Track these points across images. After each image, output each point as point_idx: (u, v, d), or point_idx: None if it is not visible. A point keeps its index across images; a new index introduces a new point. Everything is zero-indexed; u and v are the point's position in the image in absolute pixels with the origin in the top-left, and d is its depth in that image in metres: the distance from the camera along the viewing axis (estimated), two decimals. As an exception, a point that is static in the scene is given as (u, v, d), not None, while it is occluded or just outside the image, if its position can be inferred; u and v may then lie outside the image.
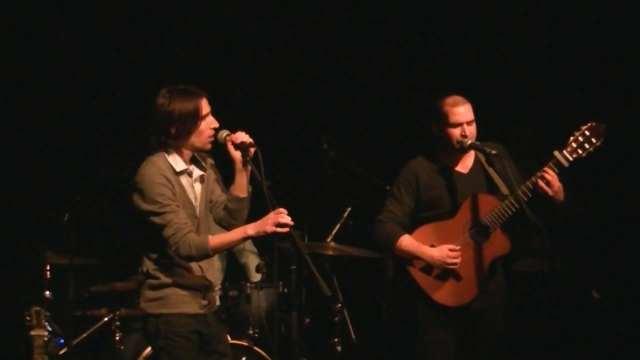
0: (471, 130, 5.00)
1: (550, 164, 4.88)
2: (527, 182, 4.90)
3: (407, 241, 5.02)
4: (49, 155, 6.88)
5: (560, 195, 4.90)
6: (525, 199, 4.86)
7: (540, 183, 4.86)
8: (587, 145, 4.87)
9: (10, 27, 6.77)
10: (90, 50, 6.92)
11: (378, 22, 7.20)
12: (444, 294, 4.99)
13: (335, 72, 7.23)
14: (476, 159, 5.11)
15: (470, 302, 4.98)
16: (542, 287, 6.30)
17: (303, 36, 7.22)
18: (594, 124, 4.90)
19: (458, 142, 4.99)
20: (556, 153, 4.89)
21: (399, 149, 6.91)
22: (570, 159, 4.88)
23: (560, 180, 4.89)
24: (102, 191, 6.69)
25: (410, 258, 5.02)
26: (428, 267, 5.01)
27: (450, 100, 5.03)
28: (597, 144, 4.88)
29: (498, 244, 4.98)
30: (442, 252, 4.97)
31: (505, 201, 4.92)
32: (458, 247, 4.98)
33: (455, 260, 4.95)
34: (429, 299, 5.00)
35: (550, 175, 4.86)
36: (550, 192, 4.86)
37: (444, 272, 5.00)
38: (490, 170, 4.99)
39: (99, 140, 6.95)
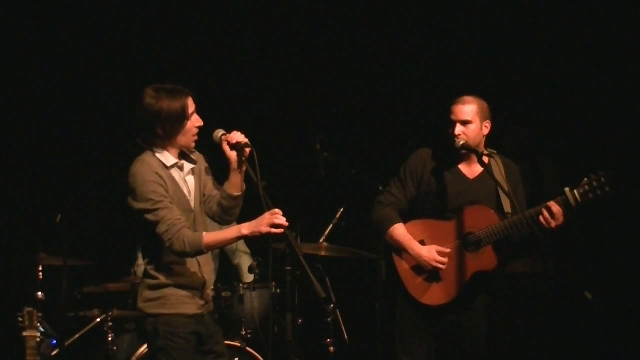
0: (464, 130, 4.99)
1: (559, 199, 4.83)
2: (531, 211, 4.85)
3: (399, 231, 5.07)
4: (42, 157, 6.87)
5: (560, 223, 4.85)
6: (526, 227, 4.82)
7: (545, 215, 4.80)
8: (599, 192, 4.79)
9: (5, 27, 6.77)
10: (80, 53, 6.92)
11: (371, 24, 7.20)
12: (422, 292, 5.04)
13: (328, 72, 7.23)
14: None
15: (445, 305, 5.00)
16: (536, 287, 6.32)
17: (297, 36, 7.22)
18: (612, 174, 4.80)
19: (450, 140, 5.01)
20: (567, 191, 4.82)
21: (392, 150, 6.92)
22: (579, 200, 4.81)
23: (565, 219, 4.84)
24: (95, 192, 6.68)
25: (399, 248, 5.07)
26: (413, 263, 5.05)
27: (457, 98, 5.06)
28: (611, 193, 4.79)
29: (485, 260, 4.99)
30: (430, 254, 5.00)
31: (505, 221, 4.92)
32: (447, 251, 5.00)
33: (441, 266, 4.99)
34: (407, 294, 5.05)
35: (556, 210, 4.80)
36: (552, 225, 4.81)
37: (427, 272, 5.04)
38: (499, 184, 4.93)
39: (91, 141, 6.94)
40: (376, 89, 7.22)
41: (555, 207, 4.81)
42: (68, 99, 6.92)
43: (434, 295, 5.03)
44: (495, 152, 5.09)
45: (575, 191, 4.82)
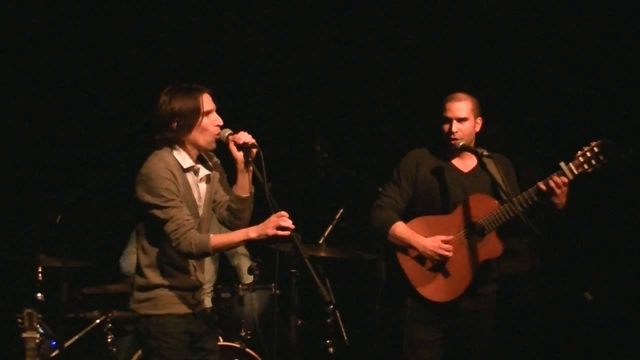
0: (460, 128, 4.98)
1: (555, 175, 4.80)
2: (527, 192, 4.85)
3: (401, 228, 5.01)
4: (41, 157, 6.87)
5: (563, 200, 4.84)
6: (525, 206, 4.81)
7: (554, 181, 4.78)
8: (594, 162, 4.78)
9: (4, 27, 6.77)
10: (82, 54, 6.92)
11: (371, 26, 7.21)
12: (431, 289, 4.98)
13: (328, 74, 7.23)
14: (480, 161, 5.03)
15: (455, 299, 4.96)
16: (535, 286, 6.33)
17: (297, 38, 7.22)
18: (604, 142, 4.78)
19: (449, 141, 5.00)
20: (562, 164, 4.81)
21: (391, 151, 6.92)
22: (576, 172, 4.79)
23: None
24: (95, 193, 6.68)
25: (403, 246, 5.01)
26: (419, 259, 5.00)
27: (450, 95, 5.03)
28: (605, 161, 4.78)
29: (491, 247, 4.95)
30: (435, 243, 4.94)
31: (505, 205, 4.89)
32: (451, 238, 4.96)
33: (447, 253, 4.93)
34: (416, 293, 4.98)
35: (560, 180, 4.79)
36: (556, 191, 4.78)
37: (434, 267, 4.98)
38: (493, 174, 4.93)
39: (91, 142, 6.94)
40: (375, 90, 7.22)
41: (554, 180, 4.79)
42: (69, 99, 6.93)
43: (444, 290, 4.96)
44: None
45: (570, 164, 4.81)
